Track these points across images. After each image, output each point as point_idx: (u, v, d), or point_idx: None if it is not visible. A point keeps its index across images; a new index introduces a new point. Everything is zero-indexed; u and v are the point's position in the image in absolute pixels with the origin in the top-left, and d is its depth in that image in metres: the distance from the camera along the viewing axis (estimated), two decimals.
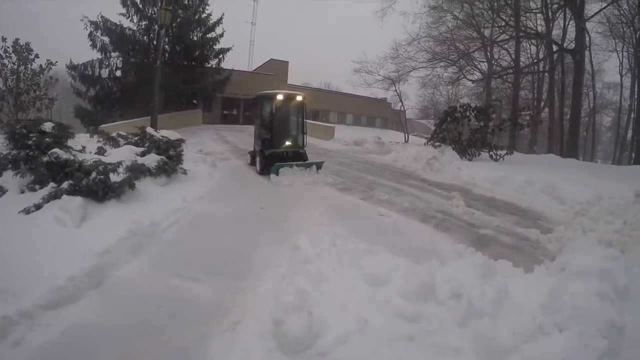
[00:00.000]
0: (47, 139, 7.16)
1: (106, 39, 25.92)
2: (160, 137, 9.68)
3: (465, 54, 28.33)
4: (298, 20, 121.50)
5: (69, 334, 3.46)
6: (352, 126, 38.48)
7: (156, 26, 21.90)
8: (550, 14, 26.57)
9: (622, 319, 2.85)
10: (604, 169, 18.00)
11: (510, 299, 3.26)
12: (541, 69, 29.95)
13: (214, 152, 14.75)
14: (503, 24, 27.49)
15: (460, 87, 33.63)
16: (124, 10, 26.37)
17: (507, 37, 27.82)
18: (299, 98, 11.76)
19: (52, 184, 6.29)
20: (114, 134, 10.95)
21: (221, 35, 29.35)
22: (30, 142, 7.05)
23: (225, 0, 29.41)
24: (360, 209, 8.12)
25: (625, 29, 28.52)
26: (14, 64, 16.26)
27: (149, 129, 10.34)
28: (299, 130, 12.01)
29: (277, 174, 10.36)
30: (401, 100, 29.19)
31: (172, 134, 10.23)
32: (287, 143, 11.57)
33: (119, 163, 7.13)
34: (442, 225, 7.28)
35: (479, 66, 31.03)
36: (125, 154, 8.20)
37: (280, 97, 11.43)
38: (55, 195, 5.94)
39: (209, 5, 29.23)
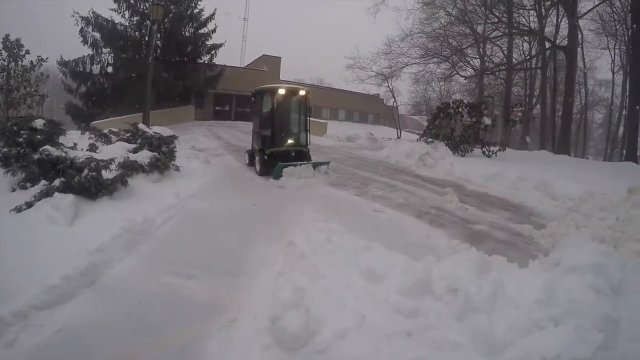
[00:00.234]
0: (38, 136, 7.11)
1: (97, 35, 25.67)
2: (153, 134, 9.62)
3: (458, 50, 28.44)
4: (291, 16, 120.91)
5: (63, 334, 3.42)
6: (345, 122, 38.49)
7: (148, 22, 21.80)
8: (543, 10, 26.80)
9: (617, 313, 2.87)
10: (596, 166, 18.20)
11: (505, 294, 3.28)
12: (533, 66, 30.20)
13: (207, 149, 14.63)
14: (496, 20, 27.62)
15: (452, 83, 33.90)
16: (115, 6, 26.08)
17: (500, 33, 27.99)
18: (302, 93, 11.13)
19: (43, 182, 6.21)
20: (105, 131, 10.80)
21: (213, 30, 29.23)
22: (21, 140, 7.01)
23: None
24: (355, 205, 8.12)
25: (617, 26, 28.80)
26: (4, 60, 16.01)
27: (141, 126, 10.30)
28: (301, 128, 11.28)
29: (280, 175, 9.57)
30: (394, 96, 29.25)
31: (164, 131, 10.19)
32: (290, 141, 10.86)
33: (111, 160, 7.06)
34: (436, 221, 7.30)
35: (471, 62, 31.14)
36: (117, 151, 8.12)
37: (282, 91, 10.61)
38: (47, 193, 5.86)
39: (201, 0, 29.08)
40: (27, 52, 16.41)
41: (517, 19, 27.67)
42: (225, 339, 3.44)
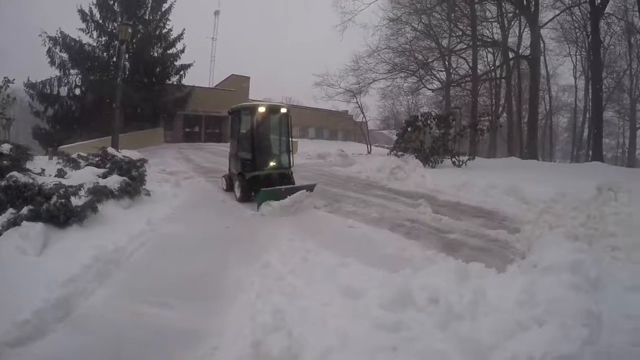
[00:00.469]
0: (5, 162, 6.84)
1: (65, 56, 25.30)
2: (122, 158, 9.43)
3: (424, 64, 29.04)
4: (259, 36, 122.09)
5: None
6: (315, 140, 38.67)
7: (116, 42, 21.55)
8: (505, 22, 27.86)
9: (598, 307, 2.92)
10: (564, 168, 18.73)
11: (487, 299, 3.28)
12: (498, 76, 31.05)
13: (177, 172, 14.43)
14: (460, 33, 28.48)
15: (420, 96, 34.60)
16: (83, 26, 25.92)
17: (465, 46, 28.82)
18: (283, 110, 10.40)
19: (10, 210, 5.92)
20: (74, 155, 10.51)
21: (182, 51, 29.29)
22: None
23: (186, 15, 29.35)
24: (329, 222, 8.07)
25: (578, 34, 30.20)
26: None
27: (110, 149, 10.08)
28: (283, 148, 10.44)
29: (265, 202, 8.67)
30: (362, 112, 29.64)
31: (133, 154, 10.03)
32: (272, 163, 9.97)
33: (80, 186, 6.83)
34: (411, 233, 7.33)
35: (437, 75, 31.96)
36: (86, 176, 7.89)
37: (262, 109, 9.93)
38: (14, 222, 5.59)
39: (169, 20, 29.12)
40: None
41: (481, 31, 28.68)
42: None
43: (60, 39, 24.75)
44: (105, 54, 26.67)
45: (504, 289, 3.41)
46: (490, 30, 30.04)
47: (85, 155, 10.56)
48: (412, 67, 28.95)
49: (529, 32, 24.86)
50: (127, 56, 23.87)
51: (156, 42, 28.66)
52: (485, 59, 33.42)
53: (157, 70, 28.74)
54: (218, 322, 4.01)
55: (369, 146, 27.71)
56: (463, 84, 30.63)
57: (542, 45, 27.78)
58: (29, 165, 7.44)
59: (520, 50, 28.22)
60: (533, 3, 23.22)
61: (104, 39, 26.56)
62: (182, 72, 29.67)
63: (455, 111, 26.46)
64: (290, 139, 10.32)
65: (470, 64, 28.74)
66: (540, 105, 30.55)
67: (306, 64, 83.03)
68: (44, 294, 4.04)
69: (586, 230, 5.97)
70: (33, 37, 25.21)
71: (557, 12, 26.39)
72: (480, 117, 20.80)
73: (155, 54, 28.78)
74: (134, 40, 25.30)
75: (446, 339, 3.04)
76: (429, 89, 31.91)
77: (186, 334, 3.82)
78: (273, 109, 10.38)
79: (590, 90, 28.49)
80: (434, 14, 27.61)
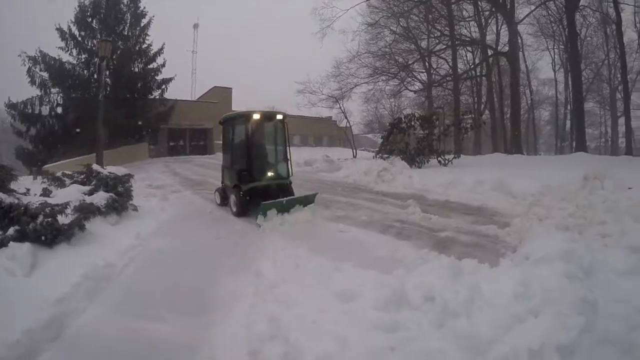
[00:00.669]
0: None
1: (45, 75, 25.03)
2: (108, 174, 9.27)
3: (404, 66, 29.24)
4: (240, 47, 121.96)
5: None
6: (300, 147, 38.59)
7: (96, 59, 21.36)
8: (483, 20, 28.32)
9: (593, 294, 2.93)
10: (549, 160, 19.01)
11: (482, 295, 3.28)
12: (479, 74, 31.39)
13: (164, 185, 14.23)
14: (439, 34, 28.82)
15: (402, 98, 34.76)
16: (62, 44, 25.70)
17: (444, 46, 29.13)
18: (279, 117, 9.79)
19: None
20: (58, 174, 10.37)
21: (163, 65, 29.17)
22: None
23: (166, 30, 29.26)
24: (319, 227, 7.96)
25: (554, 27, 30.74)
26: None
27: (95, 166, 9.91)
28: (280, 157, 9.86)
29: (265, 215, 8.13)
30: (346, 117, 29.60)
31: (119, 170, 9.87)
32: (269, 174, 9.41)
33: (67, 204, 6.67)
34: (402, 233, 7.32)
35: (419, 77, 32.25)
36: (72, 194, 7.74)
37: (256, 116, 9.15)
38: (1, 243, 5.51)
39: (149, 35, 29.01)
40: None
41: (459, 30, 29.03)
42: None
43: (40, 57, 24.45)
44: (85, 71, 26.39)
45: (498, 283, 3.42)
46: (468, 29, 30.55)
47: (70, 173, 10.41)
48: (393, 70, 29.16)
49: (507, 29, 25.22)
50: (107, 72, 23.76)
51: (136, 57, 28.48)
52: (465, 58, 33.86)
53: (139, 85, 28.52)
54: (213, 334, 3.95)
55: (354, 150, 27.73)
56: (444, 84, 30.90)
57: (520, 41, 28.32)
58: (13, 185, 7.28)
59: (498, 47, 28.66)
60: (509, 0, 23.50)
61: (83, 56, 26.34)
62: (163, 87, 29.53)
63: (438, 111, 26.71)
64: (288, 147, 9.76)
65: (451, 64, 29.10)
66: (521, 100, 30.95)
67: (288, 73, 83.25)
68: (35, 314, 3.95)
69: (576, 219, 6.03)
70: (12, 57, 25.11)
71: (533, 7, 26.92)
72: (463, 115, 20.98)
73: (136, 69, 28.58)
74: (114, 57, 25.10)
75: (443, 337, 3.04)
76: (411, 91, 32.19)
77: (181, 347, 3.75)
78: (268, 116, 9.74)
79: (570, 83, 29.00)
80: (411, 16, 27.94)
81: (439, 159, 16.58)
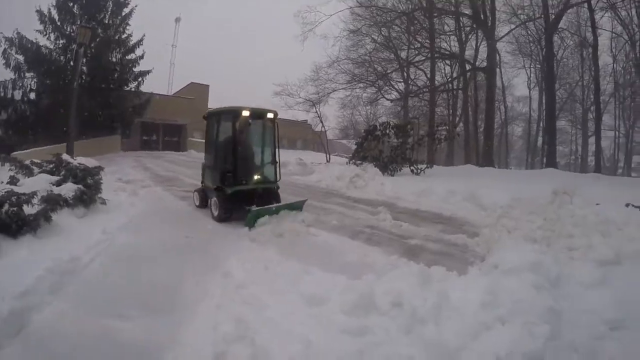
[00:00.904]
0: None
1: (21, 58, 23.95)
2: (77, 165, 9.01)
3: (383, 75, 29.35)
4: (220, 44, 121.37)
5: None
6: None
7: (74, 45, 20.69)
8: (463, 36, 28.87)
9: (560, 305, 2.97)
10: (520, 174, 19.47)
11: (450, 302, 3.32)
12: (455, 87, 31.81)
13: (134, 180, 13.86)
14: (419, 46, 29.14)
15: (378, 106, 34.81)
16: (41, 27, 24.73)
17: (423, 58, 29.44)
18: (270, 115, 8.92)
19: None
20: (27, 162, 10.03)
21: (141, 57, 28.37)
22: None
23: (146, 21, 28.68)
24: (289, 230, 7.76)
25: (532, 47, 31.67)
26: None
27: (65, 156, 9.62)
28: (267, 159, 9.11)
29: (254, 223, 7.72)
30: (322, 122, 29.56)
31: (89, 162, 9.62)
32: (256, 177, 8.71)
33: (34, 193, 6.43)
34: (372, 239, 7.33)
35: (396, 86, 32.39)
36: (39, 184, 7.46)
37: (246, 113, 8.44)
38: None
39: (129, 25, 28.27)
40: None
41: (439, 44, 29.53)
42: None
43: (17, 40, 23.48)
44: (62, 57, 25.37)
45: (466, 292, 3.47)
46: (448, 43, 31.10)
47: (38, 162, 10.08)
48: (371, 77, 29.23)
49: (486, 45, 25.65)
50: (84, 60, 23.03)
51: (115, 46, 27.63)
52: (443, 71, 34.30)
53: (116, 75, 27.70)
54: (179, 334, 3.85)
55: (327, 155, 27.74)
56: (421, 95, 31.15)
57: (498, 57, 28.83)
58: None
59: (477, 63, 29.21)
60: (490, 18, 24.07)
61: (61, 41, 25.37)
62: (140, 79, 28.71)
63: (413, 121, 26.97)
64: (277, 149, 9.06)
65: (429, 76, 29.43)
66: (496, 115, 31.59)
67: (266, 74, 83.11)
68: None
69: (544, 232, 6.15)
70: None
71: (513, 26, 27.55)
72: (437, 126, 21.24)
73: (114, 59, 27.76)
74: (93, 44, 24.35)
75: (411, 343, 3.06)
76: (388, 99, 32.31)
77: (145, 346, 3.65)
78: (258, 113, 8.89)
79: (544, 101, 29.72)
80: (393, 26, 28.11)
81: (412, 167, 16.69)
